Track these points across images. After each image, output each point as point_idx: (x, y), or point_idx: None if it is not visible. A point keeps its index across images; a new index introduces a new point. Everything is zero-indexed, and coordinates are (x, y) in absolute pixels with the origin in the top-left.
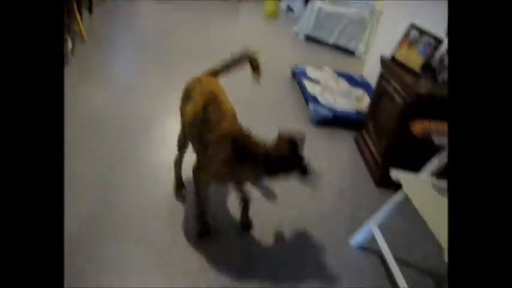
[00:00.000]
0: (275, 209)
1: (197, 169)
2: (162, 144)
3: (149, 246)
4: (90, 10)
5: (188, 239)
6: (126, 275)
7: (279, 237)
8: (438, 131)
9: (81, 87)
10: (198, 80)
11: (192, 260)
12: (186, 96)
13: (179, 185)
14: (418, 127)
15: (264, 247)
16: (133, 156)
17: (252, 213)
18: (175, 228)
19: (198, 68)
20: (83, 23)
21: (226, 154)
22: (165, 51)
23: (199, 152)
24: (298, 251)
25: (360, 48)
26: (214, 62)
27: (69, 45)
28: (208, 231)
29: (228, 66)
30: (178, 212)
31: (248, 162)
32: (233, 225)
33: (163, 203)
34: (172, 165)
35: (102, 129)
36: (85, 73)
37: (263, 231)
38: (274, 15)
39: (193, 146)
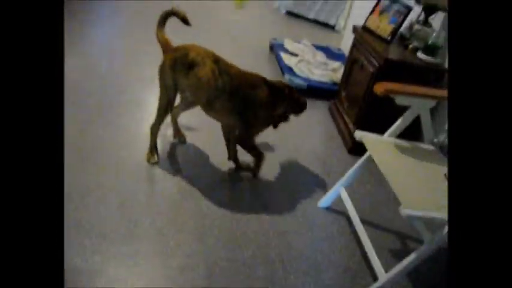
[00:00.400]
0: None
1: (247, 133)
2: (136, 108)
3: (124, 208)
4: None
5: (159, 200)
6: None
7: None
8: (399, 91)
9: None
10: (184, 48)
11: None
12: (175, 65)
13: (153, 150)
14: (379, 87)
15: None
16: (106, 120)
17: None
18: (148, 189)
19: (177, 34)
20: None
21: (272, 100)
22: (147, 18)
23: (232, 113)
24: (270, 208)
25: (340, 23)
26: (196, 31)
27: None
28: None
29: (161, 23)
30: (151, 174)
31: (285, 104)
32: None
33: (135, 165)
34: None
35: (75, 94)
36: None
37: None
38: (240, 7)
39: (217, 111)
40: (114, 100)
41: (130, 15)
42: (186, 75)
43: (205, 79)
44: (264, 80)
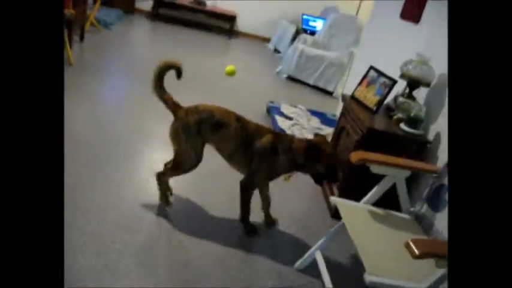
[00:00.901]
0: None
1: (250, 179)
2: (130, 161)
3: (115, 258)
4: (81, 37)
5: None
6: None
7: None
8: (373, 160)
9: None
10: (207, 109)
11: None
12: (201, 126)
13: (166, 196)
14: (354, 155)
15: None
16: (102, 174)
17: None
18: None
19: (177, 94)
20: (72, 48)
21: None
22: (147, 76)
23: (246, 164)
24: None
25: (338, 90)
26: (195, 91)
27: None
28: (255, 230)
29: (158, 78)
30: (143, 225)
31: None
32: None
33: (124, 214)
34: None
35: (77, 146)
36: (66, 93)
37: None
38: (232, 75)
39: (235, 162)
40: (111, 152)
41: (132, 73)
42: (212, 134)
43: (232, 137)
44: (275, 133)
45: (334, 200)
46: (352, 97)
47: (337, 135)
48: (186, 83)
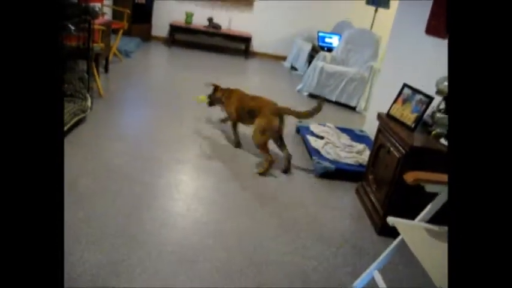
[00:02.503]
0: (285, 259)
1: (256, 133)
2: (174, 189)
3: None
4: (106, 69)
5: (197, 280)
6: None
7: None
8: (429, 180)
9: (98, 138)
10: (231, 90)
11: None
12: (229, 97)
13: (238, 142)
14: (409, 176)
15: None
16: (147, 203)
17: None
18: (191, 271)
19: (203, 120)
20: (100, 80)
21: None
22: (175, 102)
23: (251, 119)
24: None
25: (361, 104)
26: (219, 115)
27: (89, 102)
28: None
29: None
30: (194, 256)
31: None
32: None
33: (180, 245)
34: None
35: (117, 178)
36: (102, 125)
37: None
38: (202, 102)
39: (246, 120)
40: (154, 183)
41: (156, 100)
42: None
43: (239, 106)
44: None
45: (392, 219)
46: (388, 115)
47: (375, 153)
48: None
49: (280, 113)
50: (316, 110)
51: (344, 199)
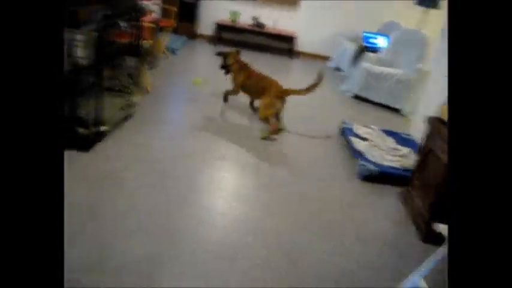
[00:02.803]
0: (325, 258)
1: (261, 109)
2: (216, 186)
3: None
4: (153, 66)
5: (237, 275)
6: None
7: None
8: None
9: (144, 133)
10: (242, 65)
11: None
12: (238, 70)
13: (253, 107)
14: None
15: None
16: (188, 199)
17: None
18: (233, 270)
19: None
20: (147, 76)
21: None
22: (218, 99)
23: (258, 95)
24: None
25: (406, 107)
26: None
27: (137, 97)
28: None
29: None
30: (233, 253)
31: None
32: None
33: (219, 244)
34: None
35: (159, 173)
36: (148, 120)
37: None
38: (199, 85)
39: (252, 95)
40: (196, 179)
41: (201, 96)
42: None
43: (248, 81)
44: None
45: (439, 226)
46: (440, 119)
47: (423, 158)
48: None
49: (283, 95)
50: (316, 84)
51: (387, 203)
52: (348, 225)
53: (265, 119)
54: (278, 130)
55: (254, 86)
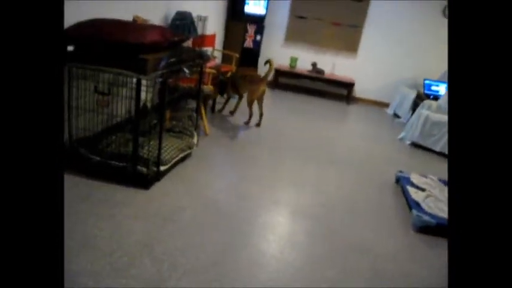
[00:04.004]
0: None
1: (248, 96)
2: (270, 230)
3: None
4: (213, 109)
5: None
6: None
7: None
8: None
9: (201, 174)
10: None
11: None
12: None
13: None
14: None
15: None
16: (243, 242)
17: None
18: None
19: (303, 163)
20: (206, 120)
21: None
22: (272, 146)
23: (245, 91)
24: None
25: None
26: (319, 160)
27: (195, 139)
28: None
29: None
30: None
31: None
32: None
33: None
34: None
35: (214, 213)
36: (205, 162)
37: None
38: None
39: (243, 91)
40: (249, 221)
41: (260, 141)
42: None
43: (241, 82)
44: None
45: None
46: None
47: None
48: (307, 149)
49: (263, 81)
50: (269, 70)
51: (444, 258)
52: (402, 279)
53: (250, 105)
54: (251, 114)
55: (241, 83)
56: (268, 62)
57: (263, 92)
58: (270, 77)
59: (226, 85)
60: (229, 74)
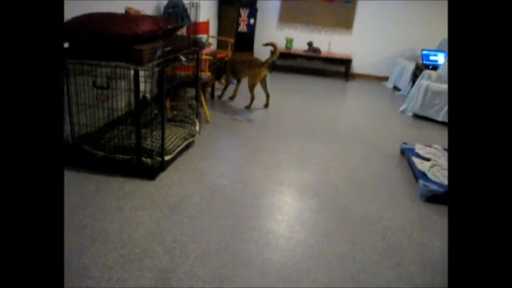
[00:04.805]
0: (390, 281)
1: (250, 81)
2: (277, 211)
3: None
4: (212, 96)
5: None
6: None
7: None
8: None
9: (205, 161)
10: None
11: None
12: (239, 63)
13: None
14: None
15: None
16: (251, 225)
17: None
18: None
19: (306, 143)
20: (207, 107)
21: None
22: (273, 128)
23: (245, 75)
24: None
25: None
26: (322, 138)
27: (197, 127)
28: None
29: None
30: (297, 278)
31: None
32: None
33: (283, 266)
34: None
35: (221, 198)
36: (208, 149)
37: None
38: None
39: (243, 76)
40: (257, 204)
41: (260, 124)
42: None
43: (239, 67)
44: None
45: None
46: None
47: None
48: (309, 128)
49: (264, 65)
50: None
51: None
52: (413, 250)
53: (252, 88)
54: (253, 99)
55: (241, 69)
56: (270, 44)
57: (265, 76)
58: (274, 60)
59: (224, 70)
60: (227, 59)
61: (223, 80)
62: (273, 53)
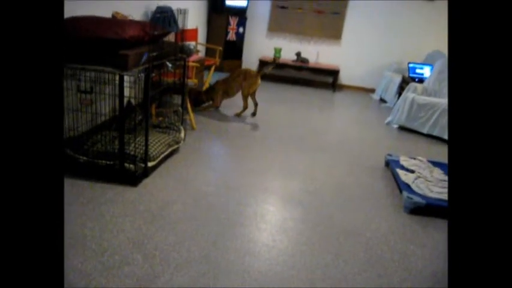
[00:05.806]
0: None
1: (245, 91)
2: (260, 219)
3: None
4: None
5: None
6: None
7: None
8: None
9: (189, 168)
10: (239, 71)
11: None
12: (234, 78)
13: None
14: None
15: None
16: (232, 231)
17: None
18: None
19: (292, 152)
20: (192, 114)
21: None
22: (260, 136)
23: (238, 90)
24: None
25: None
26: (308, 148)
27: (182, 134)
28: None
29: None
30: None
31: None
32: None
33: (263, 275)
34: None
35: (204, 206)
36: (193, 156)
37: None
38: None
39: (237, 91)
40: (240, 212)
41: (245, 133)
42: (232, 81)
43: (236, 82)
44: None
45: None
46: None
47: None
48: (295, 137)
49: (259, 74)
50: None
51: (436, 237)
52: (395, 261)
53: (245, 98)
54: (246, 108)
55: (235, 85)
56: (273, 63)
57: (258, 85)
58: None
59: (204, 97)
60: (213, 84)
61: (204, 106)
62: (269, 63)
